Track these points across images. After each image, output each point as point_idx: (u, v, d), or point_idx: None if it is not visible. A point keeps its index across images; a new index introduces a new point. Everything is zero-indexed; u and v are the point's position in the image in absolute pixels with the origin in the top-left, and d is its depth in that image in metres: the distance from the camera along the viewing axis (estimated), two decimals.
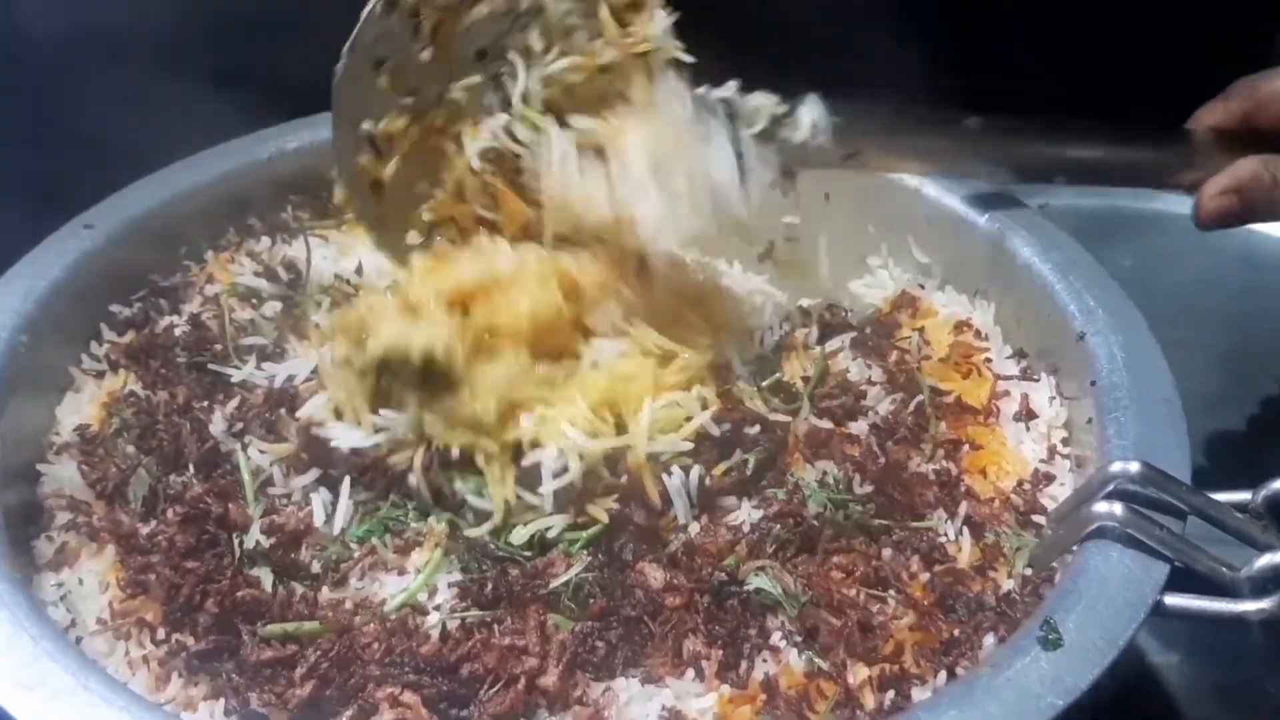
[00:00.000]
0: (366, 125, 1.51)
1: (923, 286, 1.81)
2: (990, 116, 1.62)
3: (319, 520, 1.40)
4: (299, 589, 1.36)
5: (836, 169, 1.67)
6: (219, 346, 1.63)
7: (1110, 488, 1.28)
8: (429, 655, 1.25)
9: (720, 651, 1.26)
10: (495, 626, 1.29)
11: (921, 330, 1.68)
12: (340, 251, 1.81)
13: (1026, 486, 1.46)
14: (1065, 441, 1.52)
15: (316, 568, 1.37)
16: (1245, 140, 1.59)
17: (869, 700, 1.23)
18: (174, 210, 1.84)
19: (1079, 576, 1.21)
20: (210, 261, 1.81)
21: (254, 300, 1.70)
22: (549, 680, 1.23)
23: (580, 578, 1.32)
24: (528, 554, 1.38)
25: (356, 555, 1.38)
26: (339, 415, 1.49)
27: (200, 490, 1.43)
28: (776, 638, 1.28)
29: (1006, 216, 1.74)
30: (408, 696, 1.20)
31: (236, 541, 1.37)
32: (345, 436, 1.45)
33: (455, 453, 1.42)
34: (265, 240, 1.84)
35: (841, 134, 1.56)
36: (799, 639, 1.28)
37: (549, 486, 1.40)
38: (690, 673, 1.25)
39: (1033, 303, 1.65)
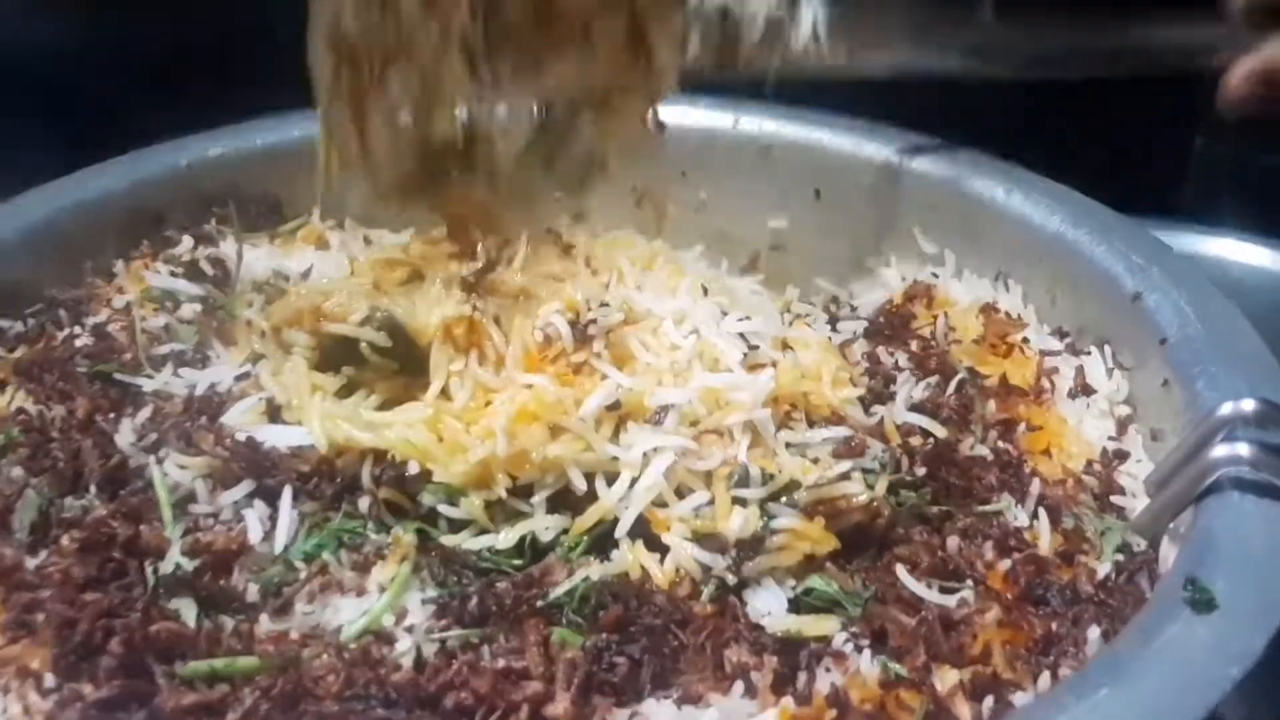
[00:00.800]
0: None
1: (936, 276, 1.60)
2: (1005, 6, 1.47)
3: (255, 537, 1.13)
4: (229, 622, 1.08)
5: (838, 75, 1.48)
6: (128, 356, 1.36)
7: (1221, 435, 1.06)
8: (403, 684, 0.97)
9: (775, 659, 1.00)
10: (485, 647, 1.02)
11: (943, 316, 1.47)
12: (283, 253, 1.56)
13: (1098, 467, 1.24)
14: (1131, 416, 1.30)
15: (253, 594, 1.09)
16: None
17: (963, 711, 0.98)
18: (75, 221, 1.59)
19: (1210, 533, 0.99)
20: (121, 274, 1.54)
21: (169, 304, 1.43)
22: (559, 708, 0.96)
23: (587, 585, 1.06)
24: (518, 563, 1.12)
25: (303, 576, 1.10)
26: (274, 418, 1.23)
27: (104, 512, 1.15)
28: (840, 641, 1.02)
29: (1024, 189, 1.56)
30: None
31: (150, 570, 1.09)
32: (283, 435, 1.19)
33: (413, 467, 1.16)
34: (187, 241, 1.58)
35: (844, 32, 1.37)
36: (865, 643, 1.02)
37: (542, 495, 1.15)
38: (738, 688, 0.99)
39: (1069, 275, 1.46)
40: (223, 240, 1.60)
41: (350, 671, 0.99)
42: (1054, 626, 1.05)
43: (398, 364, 1.22)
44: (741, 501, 1.10)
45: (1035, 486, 1.19)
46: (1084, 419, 1.31)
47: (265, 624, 1.08)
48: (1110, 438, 1.28)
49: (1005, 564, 1.11)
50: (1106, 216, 1.48)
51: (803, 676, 1.01)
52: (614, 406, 1.18)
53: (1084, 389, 1.33)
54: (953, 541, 1.14)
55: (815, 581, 1.07)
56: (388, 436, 1.18)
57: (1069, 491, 1.21)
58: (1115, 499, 1.21)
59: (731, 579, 1.07)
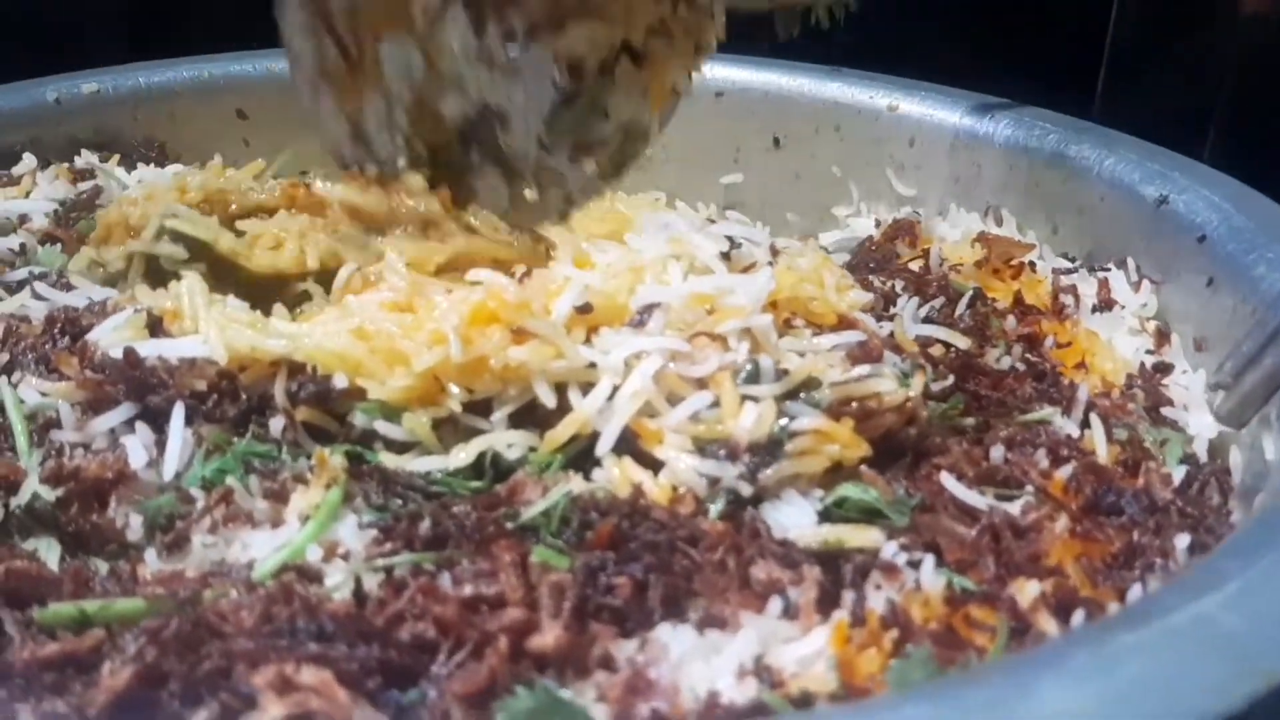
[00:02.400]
0: None
1: (918, 214, 1.44)
2: None
3: (137, 463, 0.89)
4: (103, 566, 0.83)
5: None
6: None
7: None
8: (340, 616, 0.74)
9: (817, 569, 0.79)
10: (444, 575, 0.79)
11: (936, 246, 1.31)
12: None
13: (1140, 382, 1.07)
14: (1166, 328, 1.14)
15: (136, 531, 0.85)
16: None
17: (1049, 627, 0.78)
18: None
19: None
20: None
21: (20, 225, 1.19)
22: (548, 638, 0.74)
23: (567, 501, 0.85)
24: (476, 485, 0.90)
25: (201, 507, 0.86)
26: (155, 331, 0.99)
27: None
28: (891, 552, 0.82)
29: (1009, 115, 1.42)
30: (308, 674, 0.69)
31: None
32: (171, 348, 0.95)
33: (340, 382, 0.94)
34: (28, 161, 1.35)
35: None
36: (919, 556, 0.82)
37: (503, 411, 0.94)
38: (775, 607, 0.77)
39: (1073, 198, 1.32)
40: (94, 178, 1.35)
41: (269, 607, 0.75)
42: (1138, 537, 0.86)
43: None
44: (753, 400, 0.90)
45: (1083, 393, 1.01)
46: (1114, 336, 1.14)
47: (153, 564, 0.83)
48: (1148, 351, 1.11)
49: (1064, 471, 0.92)
50: (1107, 134, 1.34)
51: (848, 595, 0.80)
52: (585, 309, 0.98)
53: (1107, 304, 1.17)
54: (997, 452, 0.95)
55: (848, 490, 0.87)
56: (306, 345, 0.95)
57: (1115, 402, 1.03)
58: (1166, 411, 1.04)
59: (746, 489, 0.86)
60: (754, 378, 0.91)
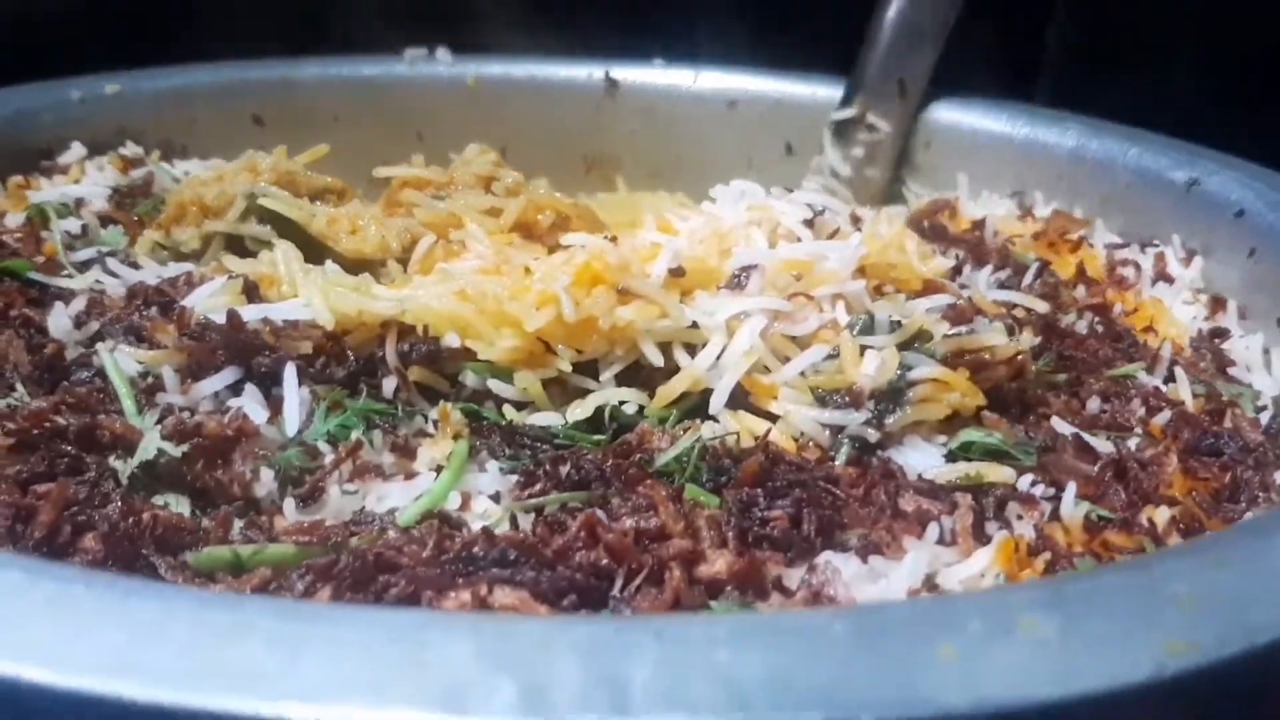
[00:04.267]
0: None
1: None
2: None
3: (258, 419, 0.87)
4: (238, 523, 0.81)
5: None
6: (40, 259, 1.08)
7: None
8: (518, 544, 0.73)
9: (969, 497, 0.81)
10: (600, 512, 0.78)
11: (989, 218, 1.34)
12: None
13: (1204, 345, 1.12)
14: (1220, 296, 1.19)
15: (266, 486, 0.83)
16: None
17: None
18: None
19: None
20: None
21: (80, 209, 1.16)
22: (718, 565, 0.74)
23: (700, 445, 0.85)
24: (598, 438, 0.90)
25: (331, 460, 0.85)
26: (251, 299, 0.98)
27: (45, 405, 0.86)
28: (1027, 482, 0.84)
29: (1027, 116, 1.48)
30: (503, 595, 0.68)
31: (119, 464, 0.82)
32: (275, 311, 0.94)
33: (451, 341, 0.94)
34: (77, 149, 1.33)
35: None
36: (1051, 491, 0.84)
37: (610, 371, 0.94)
38: (931, 534, 0.79)
39: (1097, 187, 1.37)
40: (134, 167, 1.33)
41: (441, 540, 0.74)
42: (1243, 472, 0.90)
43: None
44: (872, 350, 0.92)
45: (1166, 350, 1.05)
46: (1172, 305, 1.19)
47: (290, 515, 0.81)
48: (1205, 319, 1.16)
49: (1161, 418, 0.96)
50: (1126, 130, 1.40)
51: (992, 525, 0.81)
52: (678, 272, 0.99)
53: (1164, 276, 1.21)
54: (1093, 403, 0.98)
55: (972, 434, 0.89)
56: (414, 307, 0.94)
57: (1189, 360, 1.08)
58: (1232, 371, 1.08)
59: (873, 435, 0.88)
60: (869, 329, 0.93)
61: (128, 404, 0.89)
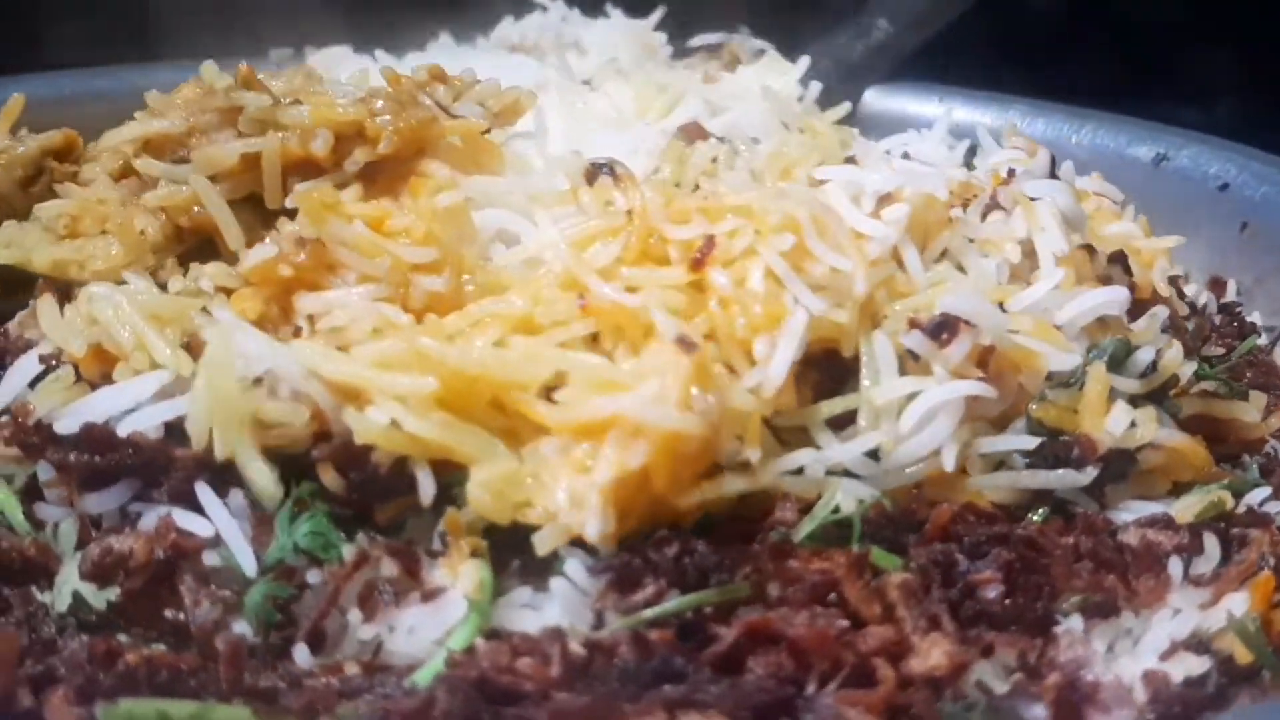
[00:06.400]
0: None
1: None
2: None
3: (203, 532, 0.59)
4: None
5: None
6: None
7: None
8: (680, 650, 0.51)
9: (1212, 537, 0.64)
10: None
11: None
12: None
13: None
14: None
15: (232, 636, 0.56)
16: None
17: None
18: None
19: None
20: None
21: None
22: (935, 659, 0.54)
23: (866, 507, 0.64)
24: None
25: (321, 586, 0.58)
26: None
27: None
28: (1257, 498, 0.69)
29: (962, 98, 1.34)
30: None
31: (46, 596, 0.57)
32: (147, 415, 0.64)
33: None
34: None
35: None
36: None
37: None
38: (1174, 571, 0.62)
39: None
40: None
41: (564, 656, 0.50)
42: None
43: None
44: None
45: None
46: None
47: (303, 659, 0.55)
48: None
49: None
50: (1066, 107, 1.29)
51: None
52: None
53: None
54: None
55: (1195, 494, 0.69)
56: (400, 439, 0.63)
57: None
58: None
59: (1091, 506, 0.68)
60: (1119, 363, 0.70)
61: (15, 516, 0.63)
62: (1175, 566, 0.62)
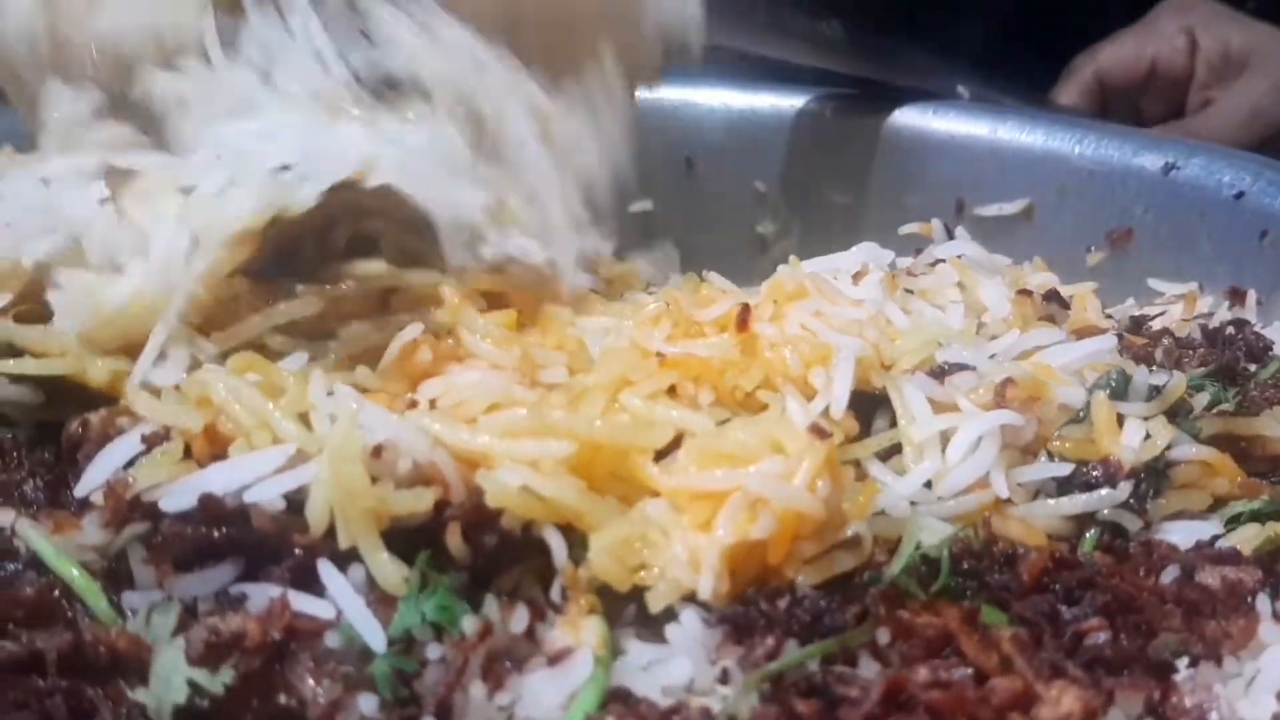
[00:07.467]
0: None
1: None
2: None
3: (323, 614, 0.59)
4: None
5: None
6: None
7: None
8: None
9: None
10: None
11: None
12: None
13: None
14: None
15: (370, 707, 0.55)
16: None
17: None
18: None
19: None
20: None
21: None
22: (1066, 706, 0.55)
23: (947, 541, 0.65)
24: None
25: (436, 656, 0.58)
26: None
27: None
28: None
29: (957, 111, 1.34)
30: None
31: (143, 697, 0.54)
32: (269, 486, 0.63)
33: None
34: None
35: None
36: None
37: None
38: (1262, 609, 0.63)
39: (1050, 179, 1.26)
40: None
41: None
42: None
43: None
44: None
45: None
46: None
47: None
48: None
49: None
50: (1064, 116, 1.32)
51: None
52: None
53: None
54: None
55: (1237, 506, 0.72)
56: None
57: None
58: None
59: (1134, 521, 0.70)
60: (1121, 392, 0.75)
61: (99, 604, 0.60)
62: (1263, 604, 0.63)
